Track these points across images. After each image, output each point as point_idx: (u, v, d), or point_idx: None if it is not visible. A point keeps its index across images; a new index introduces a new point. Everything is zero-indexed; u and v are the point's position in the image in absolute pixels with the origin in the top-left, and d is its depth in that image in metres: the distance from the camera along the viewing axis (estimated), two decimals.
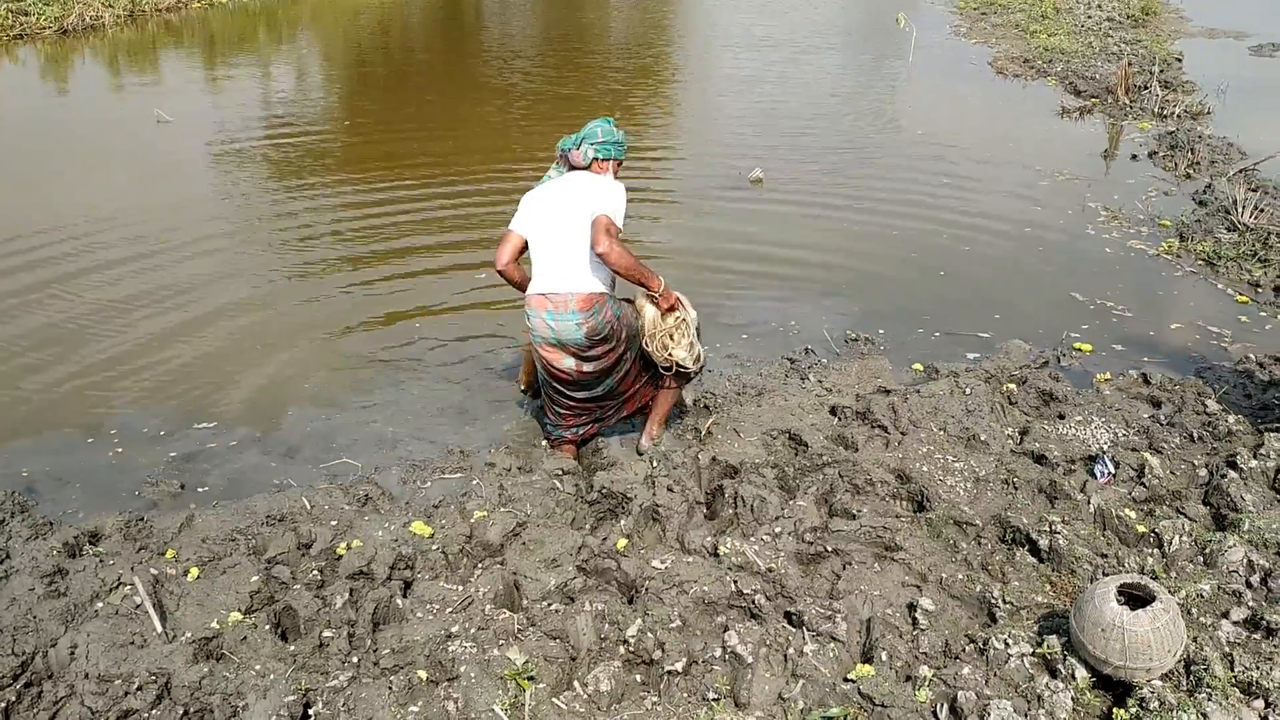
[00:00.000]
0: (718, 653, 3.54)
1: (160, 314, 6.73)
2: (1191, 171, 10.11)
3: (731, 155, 10.64)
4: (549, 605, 3.82)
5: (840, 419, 5.30)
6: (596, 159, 4.71)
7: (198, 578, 4.00)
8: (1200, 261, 7.73)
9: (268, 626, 3.73)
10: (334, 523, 4.39)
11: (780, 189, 9.54)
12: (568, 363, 4.64)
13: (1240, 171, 9.85)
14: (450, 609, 3.79)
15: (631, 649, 3.57)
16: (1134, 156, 10.86)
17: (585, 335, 4.53)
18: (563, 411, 4.92)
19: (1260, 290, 7.22)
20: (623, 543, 4.22)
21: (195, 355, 6.17)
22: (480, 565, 4.11)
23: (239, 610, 3.81)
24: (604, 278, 4.59)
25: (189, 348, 6.26)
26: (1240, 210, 8.39)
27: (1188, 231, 8.26)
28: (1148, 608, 3.18)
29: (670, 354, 4.78)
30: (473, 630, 3.66)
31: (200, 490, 4.86)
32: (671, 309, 4.80)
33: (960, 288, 7.27)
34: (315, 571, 4.06)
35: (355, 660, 3.55)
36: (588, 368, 4.67)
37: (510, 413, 5.53)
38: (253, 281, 7.27)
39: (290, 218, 8.65)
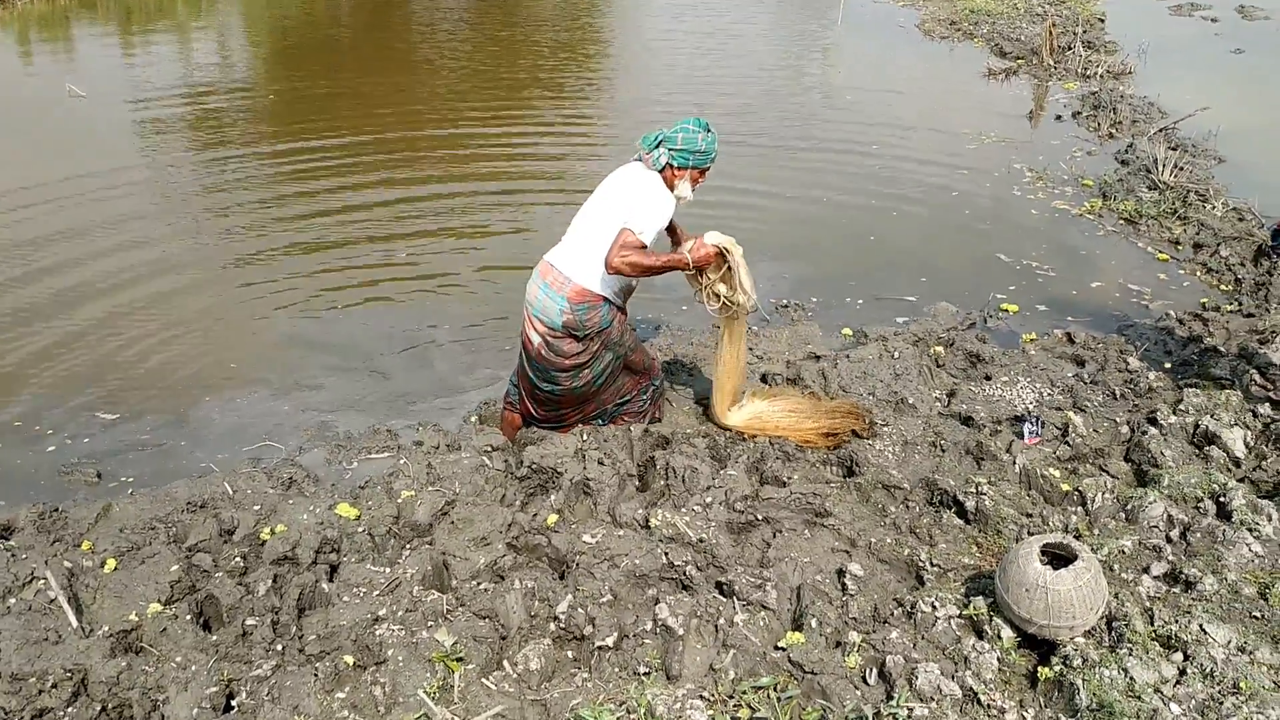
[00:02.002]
0: (649, 626, 3.52)
1: (76, 296, 6.51)
2: (1114, 131, 10.26)
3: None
4: (478, 584, 3.77)
5: (771, 385, 5.30)
6: (671, 165, 4.35)
7: (115, 569, 3.89)
8: (1122, 220, 7.85)
9: (189, 617, 3.64)
10: (257, 507, 4.29)
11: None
12: (535, 338, 4.51)
13: (1160, 130, 10.01)
14: (377, 592, 3.72)
15: (562, 625, 3.54)
16: (1058, 117, 10.99)
17: (563, 324, 4.39)
18: (519, 382, 4.81)
19: (1180, 248, 7.36)
20: (553, 518, 4.18)
21: (113, 337, 5.99)
22: (408, 546, 4.05)
23: (159, 601, 3.71)
24: (613, 284, 4.38)
25: (106, 330, 6.07)
26: (1160, 169, 8.53)
27: (1110, 191, 8.38)
28: (1069, 567, 3.22)
29: (724, 300, 4.52)
30: (400, 613, 3.60)
31: (119, 479, 4.73)
32: (711, 262, 4.43)
33: (889, 252, 7.30)
34: (238, 558, 3.97)
35: (280, 648, 3.48)
36: (546, 354, 4.50)
37: (439, 392, 5.45)
38: (175, 261, 7.07)
39: (211, 195, 8.41)
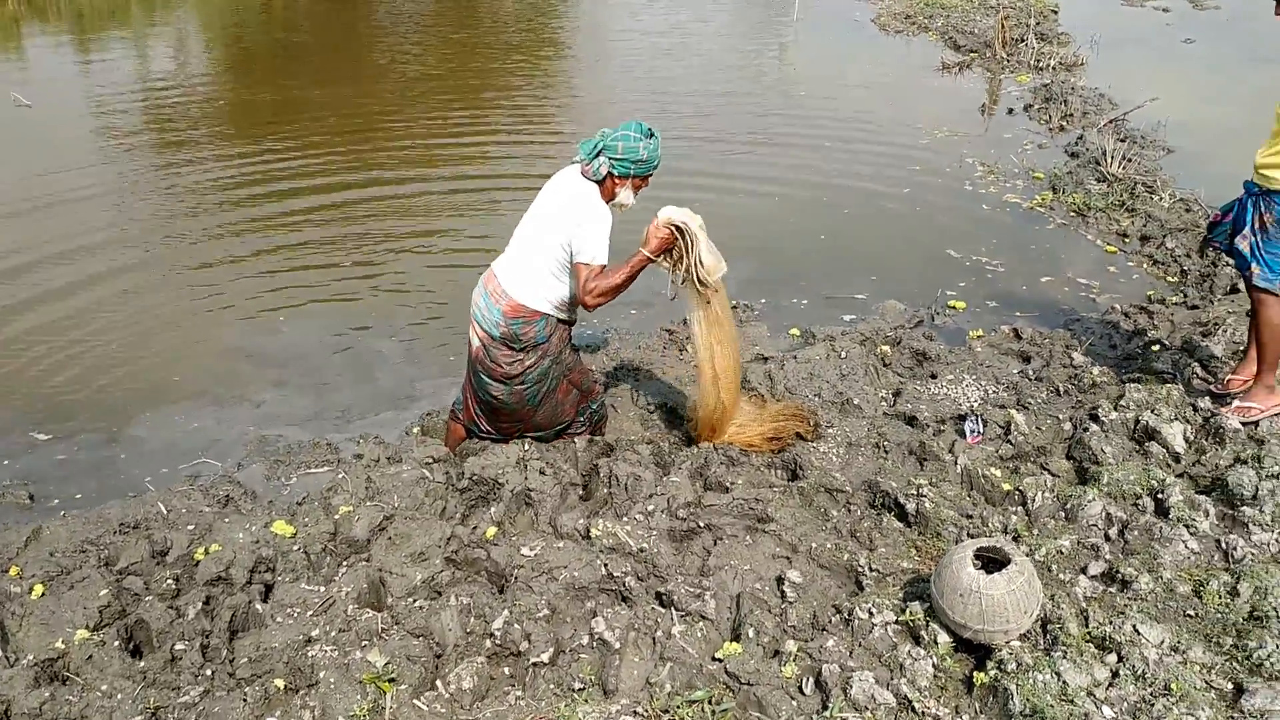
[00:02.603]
0: (585, 640, 3.48)
1: (11, 306, 6.37)
2: (1065, 124, 10.32)
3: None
4: (414, 601, 3.72)
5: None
6: (612, 174, 4.21)
7: (43, 595, 3.80)
8: (1071, 213, 7.89)
9: (117, 643, 3.56)
10: (191, 527, 4.22)
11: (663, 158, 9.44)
12: (475, 342, 4.46)
13: (1110, 122, 10.08)
14: (311, 612, 3.66)
15: (498, 642, 3.49)
16: (1010, 110, 11.04)
17: (500, 335, 4.34)
18: (465, 388, 4.72)
19: (1128, 240, 7.39)
20: (492, 531, 4.13)
21: (49, 351, 5.86)
22: (345, 563, 3.99)
23: (86, 627, 3.63)
24: (553, 299, 4.30)
25: (42, 342, 5.95)
26: (1109, 161, 8.57)
27: (1060, 184, 8.42)
28: (1003, 571, 3.21)
29: (695, 277, 4.26)
30: (334, 633, 3.54)
31: (52, 501, 4.63)
32: (672, 243, 4.22)
33: (840, 250, 7.30)
34: (170, 580, 3.89)
35: (209, 673, 3.41)
36: (485, 359, 4.43)
37: (383, 402, 5.38)
38: (115, 271, 6.93)
39: (156, 203, 8.26)
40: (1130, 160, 8.64)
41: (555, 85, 12.88)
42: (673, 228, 4.19)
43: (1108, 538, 3.88)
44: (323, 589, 3.79)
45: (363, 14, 17.77)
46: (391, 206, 8.05)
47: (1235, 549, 3.67)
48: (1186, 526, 3.80)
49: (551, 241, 4.20)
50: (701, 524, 4.13)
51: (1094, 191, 8.15)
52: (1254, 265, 4.48)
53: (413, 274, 6.87)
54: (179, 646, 3.52)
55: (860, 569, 3.77)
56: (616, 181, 4.24)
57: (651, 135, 4.24)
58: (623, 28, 16.17)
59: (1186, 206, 7.79)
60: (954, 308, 6.34)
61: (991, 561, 3.33)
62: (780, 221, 7.90)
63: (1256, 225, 4.47)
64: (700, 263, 4.20)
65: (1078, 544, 3.82)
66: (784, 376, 5.27)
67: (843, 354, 5.48)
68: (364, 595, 3.77)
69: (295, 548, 4.03)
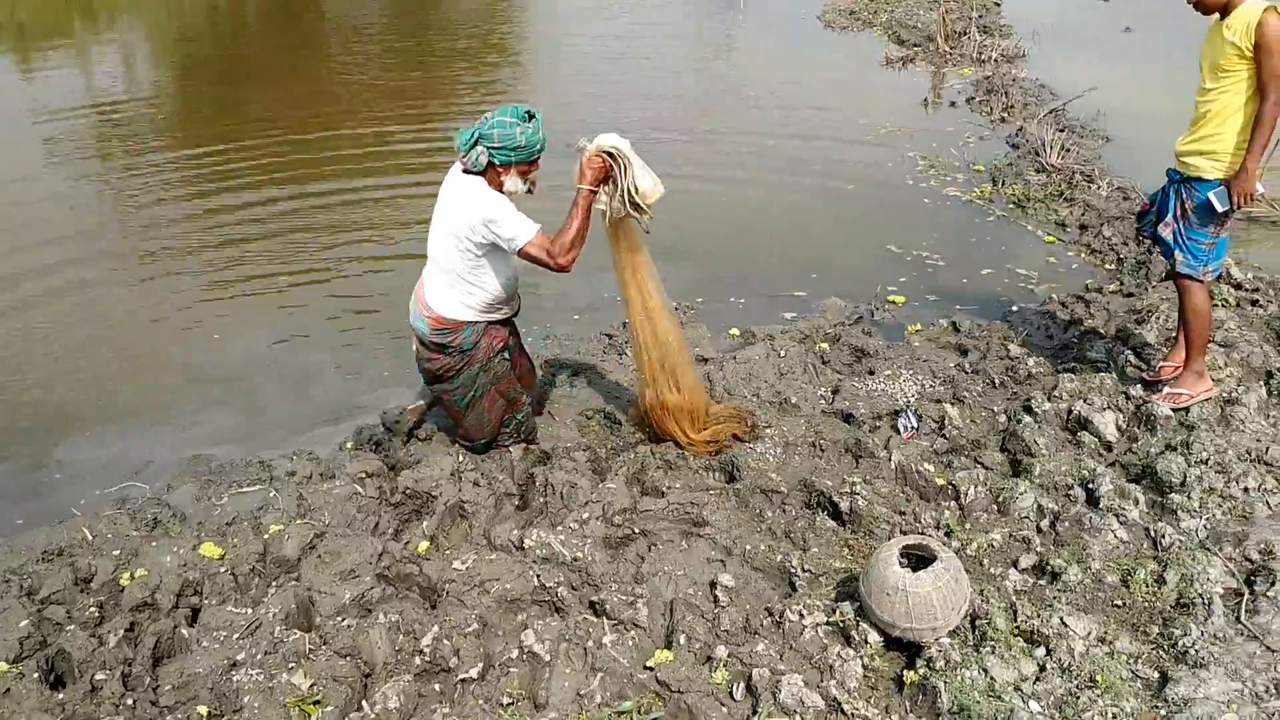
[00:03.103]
0: (515, 654, 3.44)
1: None
2: (1006, 115, 10.39)
3: (559, 128, 10.46)
4: (343, 621, 3.66)
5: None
6: (493, 164, 4.09)
7: None
8: (1011, 204, 7.93)
9: (36, 675, 3.46)
10: (117, 552, 4.12)
11: None
12: (414, 342, 4.47)
13: (1050, 113, 10.15)
14: (238, 635, 3.59)
15: (427, 659, 3.44)
16: (952, 103, 11.10)
17: (430, 343, 4.34)
18: None
19: (1066, 229, 7.45)
20: (424, 545, 4.08)
21: None
22: (274, 584, 3.92)
23: (5, 660, 3.53)
24: (473, 304, 4.26)
25: None
26: (1049, 151, 8.64)
27: (1000, 175, 8.47)
28: (929, 568, 3.20)
29: (628, 203, 4.09)
30: (260, 656, 3.47)
31: None
32: (606, 171, 4.09)
33: (780, 248, 7.29)
34: (93, 608, 3.80)
35: (130, 702, 3.33)
36: (419, 355, 4.47)
37: (316, 418, 5.29)
38: (44, 285, 6.76)
39: (91, 213, 8.10)
40: (1069, 150, 8.71)
41: (504, 90, 12.79)
42: (604, 154, 4.07)
43: (1039, 530, 3.89)
44: (250, 611, 3.73)
45: (310, 22, 17.60)
46: (334, 216, 7.95)
47: (1163, 536, 3.69)
48: (1116, 516, 3.82)
49: (453, 246, 4.16)
50: (637, 530, 4.10)
51: (1033, 182, 8.21)
52: (1177, 252, 4.52)
53: (353, 283, 6.79)
54: (99, 676, 3.43)
55: (793, 570, 3.76)
56: (500, 170, 4.12)
57: (531, 118, 4.13)
58: (571, 32, 16.10)
59: (1124, 195, 7.86)
60: (894, 303, 6.35)
61: (919, 559, 3.33)
62: (722, 220, 7.88)
63: (1179, 213, 4.51)
64: (636, 186, 4.07)
65: (1009, 537, 3.82)
66: (723, 378, 5.24)
67: (782, 353, 5.47)
68: (292, 616, 3.71)
69: (223, 569, 3.96)
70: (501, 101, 12.09)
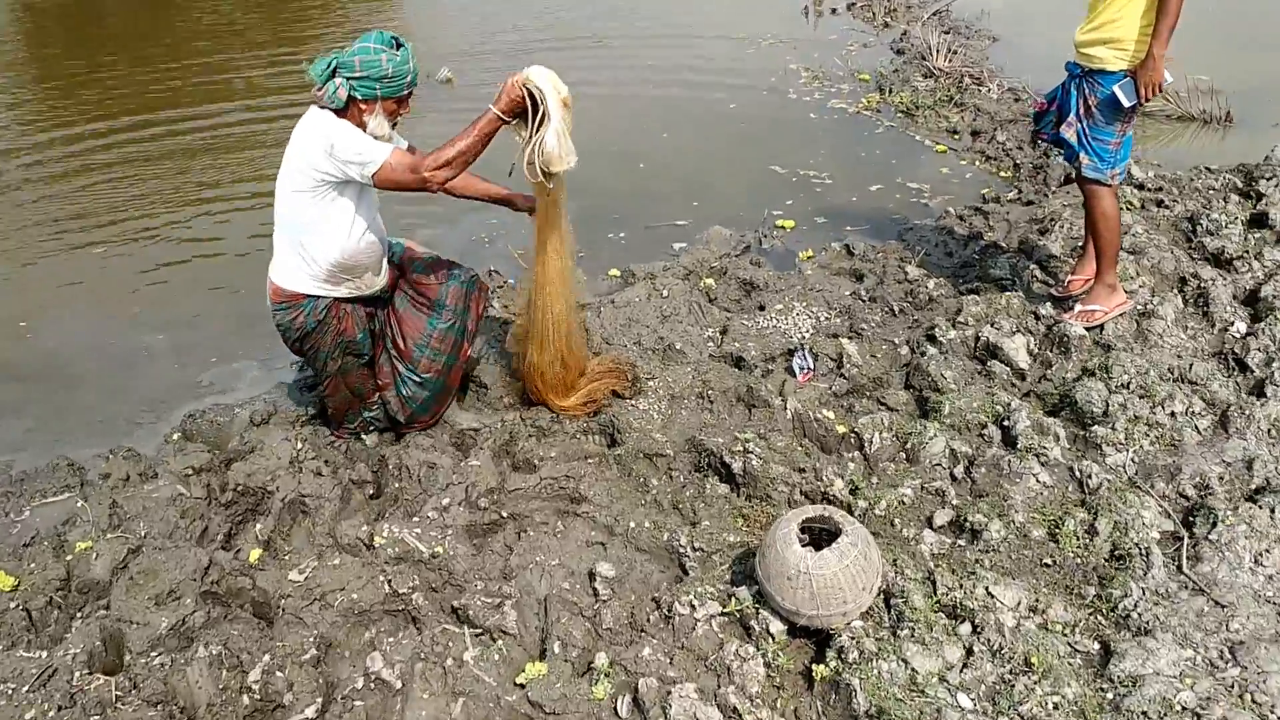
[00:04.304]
0: (361, 683, 2.91)
1: None
2: (889, 20, 9.94)
3: (421, 57, 9.66)
4: (156, 657, 3.08)
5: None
6: (354, 98, 3.43)
7: None
8: (900, 114, 7.49)
9: None
10: None
11: (470, 91, 8.67)
12: None
13: (934, 14, 9.73)
14: (27, 687, 2.99)
15: (257, 697, 2.90)
16: (834, 10, 10.60)
17: (272, 317, 3.73)
18: None
19: (958, 137, 7.04)
20: (256, 554, 3.50)
21: None
22: (79, 616, 3.31)
23: None
24: (313, 269, 3.59)
25: None
26: (935, 55, 8.21)
27: (886, 84, 8.02)
28: (834, 545, 2.75)
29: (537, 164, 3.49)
30: (52, 713, 2.89)
31: None
32: (522, 106, 3.42)
33: (659, 178, 6.72)
34: None
35: None
36: None
37: (140, 409, 4.60)
38: None
39: None
40: (956, 53, 8.31)
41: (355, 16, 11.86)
42: (527, 90, 3.41)
43: (953, 478, 3.48)
44: (45, 655, 3.13)
45: None
46: (172, 182, 7.06)
47: (1090, 477, 3.31)
48: (1037, 456, 3.42)
49: (292, 191, 3.50)
50: (505, 514, 3.59)
51: (921, 89, 7.78)
52: (1082, 155, 4.10)
53: (191, 260, 5.95)
54: None
55: (682, 550, 3.28)
56: (362, 107, 3.46)
57: (399, 46, 3.48)
58: None
59: (1015, 96, 7.49)
60: (782, 228, 5.87)
61: (822, 533, 2.87)
62: (593, 152, 7.22)
63: (1082, 110, 4.08)
64: (542, 147, 3.43)
65: (921, 490, 3.40)
66: (600, 326, 4.71)
67: (664, 292, 4.95)
68: (98, 656, 3.13)
69: (14, 604, 3.32)
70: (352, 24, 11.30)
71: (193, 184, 6.82)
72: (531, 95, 3.39)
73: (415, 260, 4.02)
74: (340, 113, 3.47)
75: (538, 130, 3.42)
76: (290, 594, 3.28)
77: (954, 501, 3.31)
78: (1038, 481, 3.32)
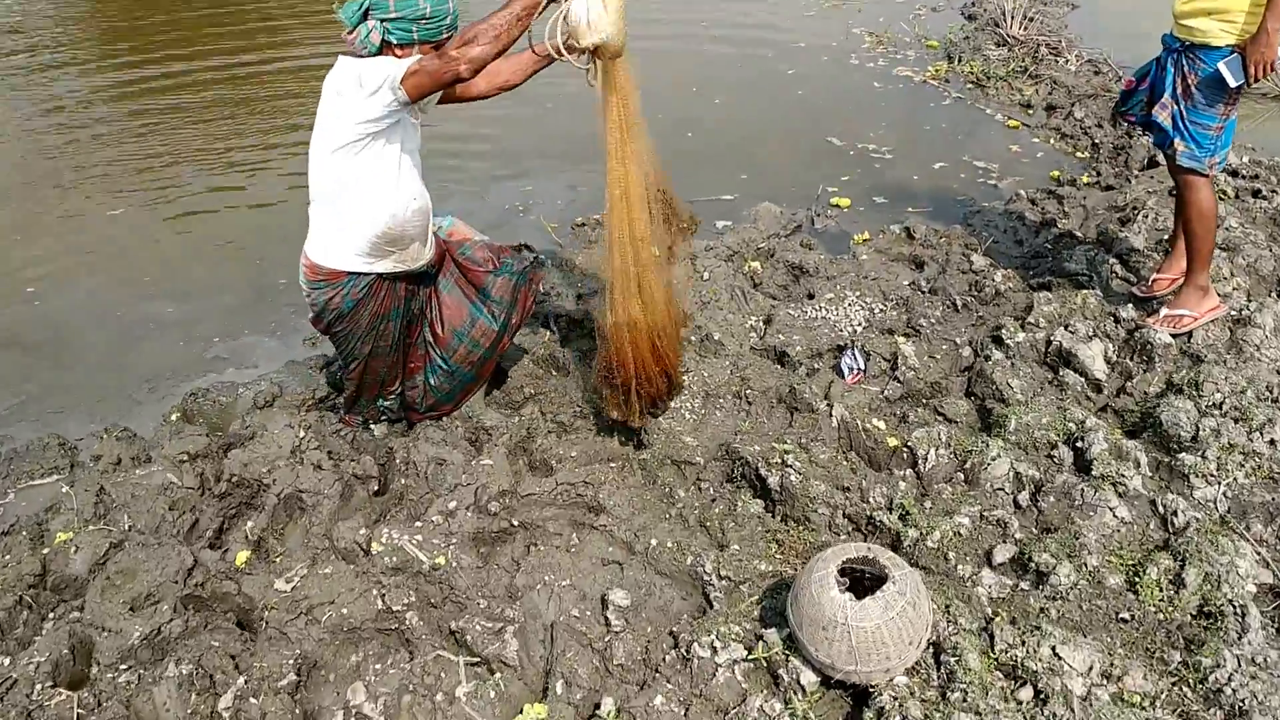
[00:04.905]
0: (339, 717, 2.61)
1: None
2: None
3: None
4: (125, 671, 2.81)
5: (554, 332, 4.35)
6: (389, 43, 3.10)
7: None
8: (969, 85, 7.01)
9: None
10: None
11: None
12: None
13: None
14: None
15: None
16: None
17: (306, 296, 3.41)
18: None
19: (1032, 112, 6.55)
20: (244, 555, 3.21)
21: None
22: (51, 618, 3.06)
23: None
24: (353, 246, 3.26)
25: None
26: (1009, 21, 7.68)
27: (955, 51, 7.52)
28: (878, 593, 2.38)
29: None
30: None
31: None
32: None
33: (708, 148, 6.31)
34: None
35: None
36: None
37: (140, 386, 4.33)
38: None
39: None
40: (1032, 20, 7.77)
41: None
42: None
43: (1017, 505, 3.08)
44: (8, 662, 2.87)
45: None
46: (198, 147, 6.78)
47: (1176, 514, 2.90)
48: (1114, 486, 3.01)
49: (330, 152, 3.14)
50: (515, 522, 3.26)
51: (993, 58, 7.27)
52: (1177, 140, 3.64)
53: (214, 220, 5.69)
54: None
55: (707, 578, 2.93)
56: (397, 53, 3.11)
57: None
58: None
59: (1096, 69, 6.97)
60: (837, 206, 5.45)
61: (865, 575, 2.51)
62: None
63: (1179, 90, 3.62)
64: (568, 13, 2.94)
65: (980, 519, 3.01)
66: None
67: (705, 275, 4.58)
68: (64, 666, 2.86)
69: None
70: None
71: (220, 146, 6.54)
72: None
73: (465, 243, 3.71)
74: (376, 57, 3.11)
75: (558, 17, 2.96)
76: (275, 605, 2.98)
77: (1017, 535, 2.92)
78: (1114, 516, 2.92)
